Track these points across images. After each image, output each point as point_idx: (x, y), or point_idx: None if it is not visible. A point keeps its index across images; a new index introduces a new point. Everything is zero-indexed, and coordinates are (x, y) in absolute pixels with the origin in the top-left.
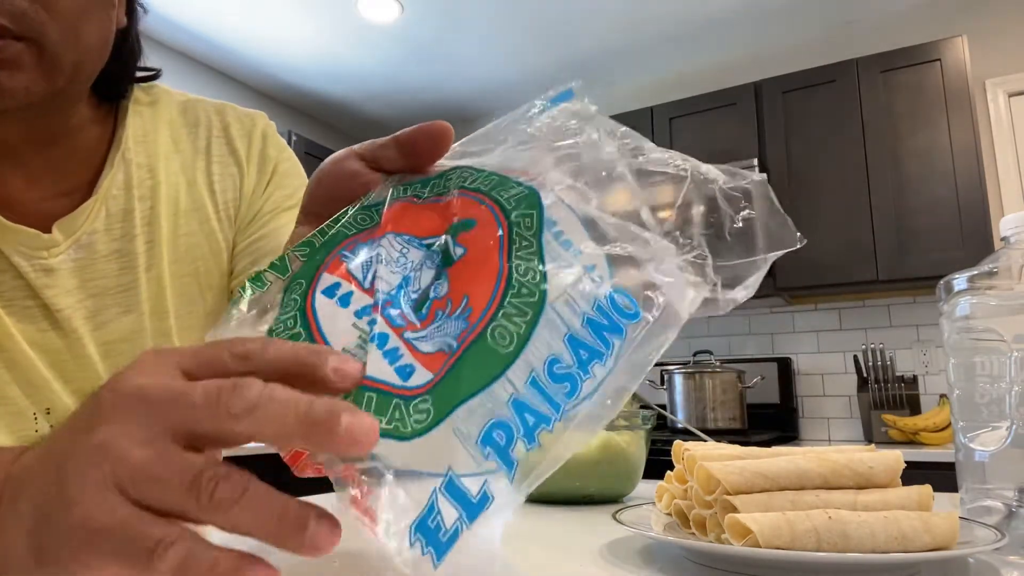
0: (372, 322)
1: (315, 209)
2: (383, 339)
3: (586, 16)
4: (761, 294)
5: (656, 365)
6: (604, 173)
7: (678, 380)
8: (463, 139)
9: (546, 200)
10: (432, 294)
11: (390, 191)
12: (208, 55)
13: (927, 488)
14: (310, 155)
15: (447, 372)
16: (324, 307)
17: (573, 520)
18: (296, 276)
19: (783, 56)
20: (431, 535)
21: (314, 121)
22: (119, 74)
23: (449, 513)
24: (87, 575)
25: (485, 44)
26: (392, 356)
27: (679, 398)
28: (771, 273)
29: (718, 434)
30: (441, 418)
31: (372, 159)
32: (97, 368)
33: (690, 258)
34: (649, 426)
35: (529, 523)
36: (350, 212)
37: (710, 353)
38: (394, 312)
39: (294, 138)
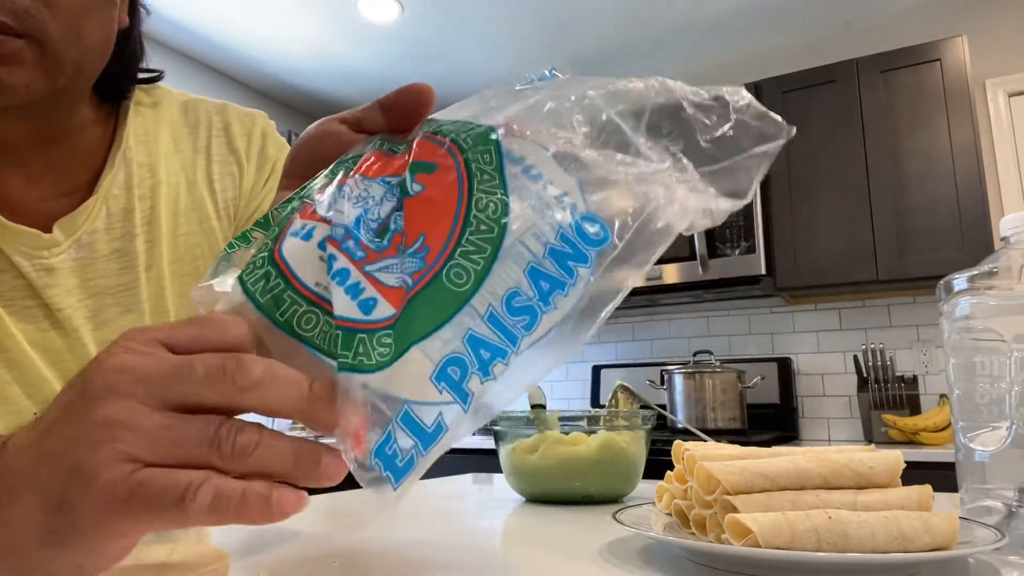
0: (331, 257)
1: (296, 171)
2: (344, 275)
3: (586, 16)
4: (761, 294)
5: (656, 365)
6: (582, 109)
7: (678, 380)
8: (445, 108)
9: (504, 137)
10: (392, 226)
11: (369, 145)
12: (208, 55)
13: (927, 488)
14: None
15: (403, 310)
16: (292, 247)
17: (573, 520)
18: (275, 226)
19: (783, 56)
20: (388, 461)
21: (314, 121)
22: (121, 74)
23: (405, 442)
24: (118, 543)
25: (485, 44)
26: (354, 291)
27: (679, 398)
28: (771, 273)
29: (718, 434)
30: (399, 354)
31: (355, 121)
32: None
33: (673, 170)
34: (649, 426)
35: (529, 523)
36: (328, 168)
37: (710, 353)
38: (352, 244)
39: (294, 138)
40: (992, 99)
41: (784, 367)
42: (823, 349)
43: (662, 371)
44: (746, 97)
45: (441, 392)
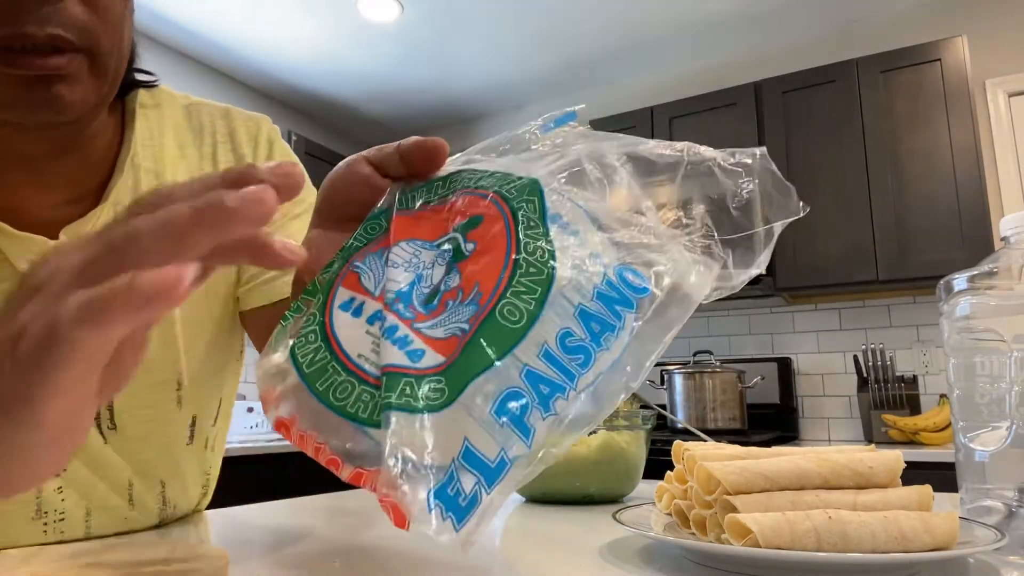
0: (382, 318)
1: (328, 210)
2: (392, 330)
3: (586, 16)
4: (761, 294)
5: (656, 365)
6: (603, 171)
7: (678, 380)
8: (467, 149)
9: (548, 190)
10: (443, 287)
11: (396, 197)
12: (208, 55)
13: (927, 488)
14: (310, 155)
15: (460, 353)
16: (340, 319)
17: (573, 520)
18: (319, 291)
19: (783, 56)
20: (450, 501)
21: (314, 121)
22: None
23: (467, 480)
24: (55, 404)
25: (485, 44)
26: (402, 343)
27: (679, 398)
28: (771, 273)
29: (718, 434)
30: (455, 396)
31: (379, 164)
32: None
33: (695, 238)
34: (649, 426)
35: (529, 523)
36: (362, 226)
37: (710, 353)
38: (402, 307)
39: (294, 138)
40: (992, 99)
41: (784, 367)
42: (823, 349)
43: (662, 371)
44: (772, 167)
45: (502, 426)
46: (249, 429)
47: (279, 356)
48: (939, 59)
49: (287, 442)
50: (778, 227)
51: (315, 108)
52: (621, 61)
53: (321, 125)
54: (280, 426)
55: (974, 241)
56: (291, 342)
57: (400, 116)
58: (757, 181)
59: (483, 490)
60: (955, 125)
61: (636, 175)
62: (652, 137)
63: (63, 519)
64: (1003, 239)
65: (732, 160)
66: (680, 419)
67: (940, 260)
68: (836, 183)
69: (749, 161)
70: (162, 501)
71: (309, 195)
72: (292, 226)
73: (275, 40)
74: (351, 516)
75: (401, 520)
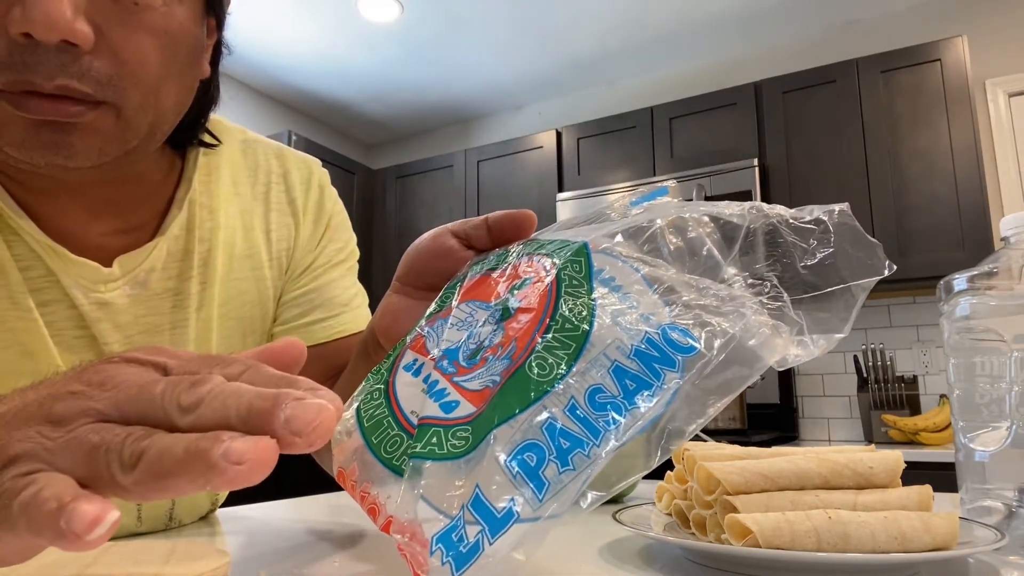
0: (427, 376)
1: (411, 280)
2: (433, 384)
3: (586, 17)
4: None
5: None
6: (671, 235)
7: None
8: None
9: (596, 252)
10: (487, 343)
11: (468, 271)
12: None
13: (927, 488)
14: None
15: (488, 403)
16: (402, 378)
17: (573, 520)
18: (394, 355)
19: (783, 56)
20: (452, 546)
21: (314, 121)
22: (193, 122)
23: (472, 527)
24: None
25: (485, 44)
26: (438, 395)
27: None
28: None
29: (718, 434)
30: (477, 443)
31: (465, 238)
32: None
33: (765, 300)
34: None
35: None
36: (439, 294)
37: None
38: (447, 363)
39: (294, 138)
40: (992, 99)
41: None
42: None
43: None
44: (853, 223)
45: (515, 476)
46: None
47: (348, 413)
48: (939, 59)
49: None
50: (858, 288)
51: (315, 108)
52: (621, 61)
53: (321, 125)
54: (340, 476)
55: (974, 241)
56: (360, 400)
57: (400, 116)
58: (834, 238)
59: (486, 539)
60: (955, 125)
61: (714, 242)
62: (652, 137)
63: None
64: (1003, 239)
65: (806, 218)
66: None
67: (940, 260)
68: (836, 183)
69: (824, 218)
70: (168, 518)
71: (350, 242)
72: (334, 272)
73: (275, 40)
74: (351, 516)
75: (415, 569)
